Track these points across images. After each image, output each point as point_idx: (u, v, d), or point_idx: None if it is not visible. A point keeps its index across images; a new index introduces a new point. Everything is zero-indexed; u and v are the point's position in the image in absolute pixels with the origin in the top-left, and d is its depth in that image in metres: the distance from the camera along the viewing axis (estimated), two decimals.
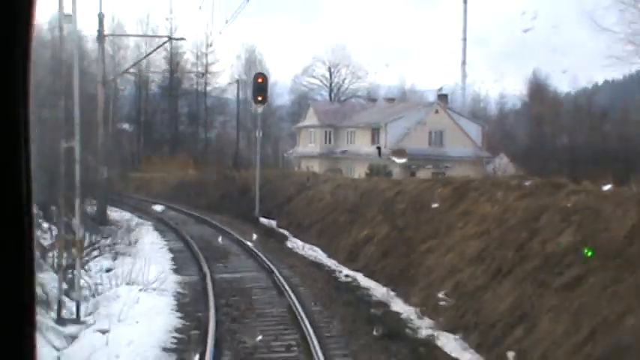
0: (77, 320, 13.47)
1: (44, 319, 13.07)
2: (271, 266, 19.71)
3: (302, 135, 70.48)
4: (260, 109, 32.40)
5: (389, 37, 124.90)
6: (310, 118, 68.43)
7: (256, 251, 22.58)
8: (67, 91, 14.42)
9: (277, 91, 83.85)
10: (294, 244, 25.60)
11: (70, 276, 14.99)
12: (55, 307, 13.81)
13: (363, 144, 61.74)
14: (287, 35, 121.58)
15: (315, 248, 24.82)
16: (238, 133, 66.03)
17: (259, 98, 30.28)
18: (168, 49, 74.63)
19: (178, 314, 14.12)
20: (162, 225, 31.36)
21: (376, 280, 19.29)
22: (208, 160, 65.80)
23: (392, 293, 17.62)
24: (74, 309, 13.89)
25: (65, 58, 14.93)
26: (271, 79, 68.36)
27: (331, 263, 22.04)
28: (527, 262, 14.34)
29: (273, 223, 30.69)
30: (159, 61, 77.13)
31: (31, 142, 1.40)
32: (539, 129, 62.47)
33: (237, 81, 65.61)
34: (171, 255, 22.56)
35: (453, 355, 12.04)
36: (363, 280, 19.13)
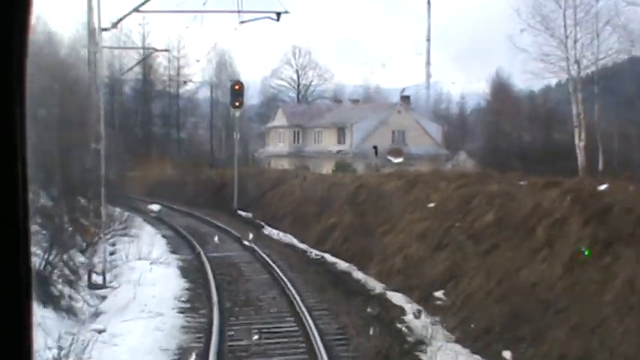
0: (104, 285, 17.00)
1: (79, 285, 16.65)
2: (253, 247, 23.44)
3: (271, 135, 73.61)
4: (237, 113, 36.00)
5: (356, 37, 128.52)
6: (279, 119, 71.57)
7: (238, 236, 26.29)
8: (63, 95, 17.69)
9: (247, 92, 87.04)
10: (270, 231, 29.31)
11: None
12: (85, 277, 17.32)
13: (329, 143, 64.94)
14: (256, 37, 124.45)
15: (289, 235, 28.51)
16: (212, 134, 69.20)
17: (236, 104, 33.92)
18: (141, 52, 77.43)
19: (185, 279, 17.82)
20: (151, 217, 34.78)
21: (341, 258, 23.04)
22: (182, 159, 68.77)
23: (354, 267, 21.43)
24: (100, 279, 17.41)
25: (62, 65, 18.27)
26: (241, 81, 71.87)
27: (303, 246, 25.76)
28: (457, 235, 18.28)
29: (249, 215, 34.33)
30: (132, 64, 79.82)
31: (27, 142, 1.40)
32: (497, 127, 66.26)
33: (211, 85, 68.79)
34: (166, 240, 26.17)
35: (398, 304, 15.89)
36: (330, 258, 22.88)
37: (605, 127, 22.72)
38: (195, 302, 15.16)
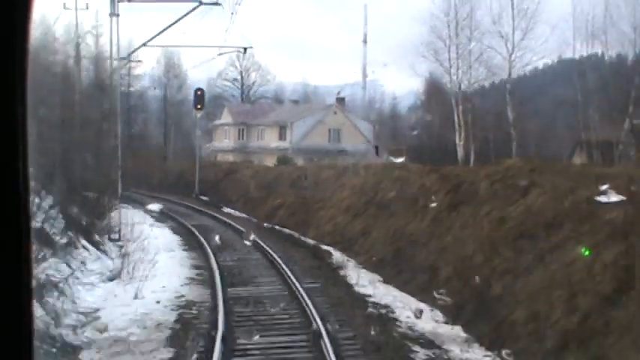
0: (119, 239, 23.97)
1: (101, 239, 23.55)
2: (218, 218, 30.70)
3: (218, 132, 79.90)
4: (199, 114, 42.98)
5: (297, 36, 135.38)
6: (225, 117, 77.93)
7: (206, 211, 33.52)
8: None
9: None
10: (228, 210, 36.54)
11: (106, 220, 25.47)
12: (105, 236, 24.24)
13: (271, 139, 71.62)
14: (201, 38, 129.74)
15: (244, 214, 35.77)
16: (166, 130, 75.38)
17: (199, 106, 40.94)
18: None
19: (178, 235, 25.09)
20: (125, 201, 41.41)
21: (287, 228, 30.44)
22: (133, 152, 74.65)
23: (296, 233, 28.87)
24: (116, 236, 24.34)
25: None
26: (188, 81, 78.52)
27: (256, 220, 33.10)
28: (370, 207, 25.94)
29: (208, 199, 41.42)
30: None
31: (28, 141, 1.41)
32: (422, 125, 74.20)
33: (166, 85, 75.07)
34: (150, 215, 33.09)
35: (328, 250, 23.43)
36: (278, 228, 30.27)
37: (477, 132, 30.69)
38: (191, 246, 22.37)
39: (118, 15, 23.99)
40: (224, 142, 77.25)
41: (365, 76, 76.69)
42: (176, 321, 13.30)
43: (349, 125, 70.68)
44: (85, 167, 22.71)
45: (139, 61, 59.34)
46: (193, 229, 26.08)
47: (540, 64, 33.22)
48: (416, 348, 12.18)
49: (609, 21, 26.92)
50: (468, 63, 30.45)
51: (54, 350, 11.16)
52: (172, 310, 14.25)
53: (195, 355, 10.78)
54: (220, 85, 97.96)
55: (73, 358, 10.64)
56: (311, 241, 26.02)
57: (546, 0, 43.02)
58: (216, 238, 23.57)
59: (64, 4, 30.92)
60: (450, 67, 30.85)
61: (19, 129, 1.38)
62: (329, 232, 27.24)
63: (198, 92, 41.47)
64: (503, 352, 12.48)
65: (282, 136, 71.00)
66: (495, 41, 30.14)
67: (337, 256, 22.22)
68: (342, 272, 19.85)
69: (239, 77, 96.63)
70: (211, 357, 10.39)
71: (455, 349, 12.35)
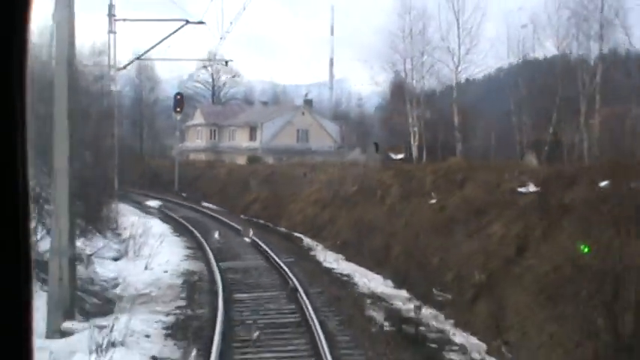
0: (117, 228, 27.47)
1: (102, 228, 26.98)
2: (200, 210, 34.34)
3: (190, 132, 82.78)
4: (179, 116, 46.49)
5: (265, 36, 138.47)
6: (197, 118, 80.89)
7: (188, 205, 37.16)
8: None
9: (165, 93, 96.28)
10: (207, 205, 40.16)
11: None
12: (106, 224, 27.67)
13: (242, 140, 74.71)
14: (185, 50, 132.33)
15: (220, 208, 39.41)
16: (141, 130, 78.34)
17: (178, 109, 44.45)
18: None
19: (168, 225, 28.68)
20: None
21: (261, 219, 34.19)
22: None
23: (270, 223, 32.65)
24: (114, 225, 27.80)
25: None
26: (160, 83, 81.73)
27: (233, 214, 36.78)
28: (336, 199, 29.84)
29: (187, 195, 44.95)
30: None
31: (27, 140, 1.42)
32: (387, 125, 77.97)
33: (141, 87, 78.09)
34: (138, 208, 36.57)
35: (299, 236, 27.27)
36: (255, 219, 34.01)
37: (428, 134, 34.83)
38: (182, 233, 26.04)
39: (115, 32, 27.53)
40: (196, 142, 80.00)
41: (332, 76, 79.59)
42: (183, 283, 17.01)
43: (316, 126, 73.57)
44: (85, 165, 26.11)
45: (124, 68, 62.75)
46: (180, 220, 29.77)
47: (481, 75, 37.98)
48: (368, 301, 16.06)
49: (537, 41, 31.17)
50: (421, 74, 34.69)
51: (96, 301, 14.82)
52: (178, 277, 17.94)
53: (204, 304, 14.52)
54: (191, 86, 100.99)
55: (113, 306, 14.27)
56: (284, 230, 29.83)
57: (487, 20, 48.06)
58: (201, 225, 27.29)
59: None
60: (406, 77, 35.01)
61: (18, 128, 1.38)
62: (300, 222, 31.05)
63: (178, 96, 44.99)
64: (432, 310, 16.43)
65: (252, 137, 73.63)
66: (444, 55, 34.53)
67: (308, 240, 26.09)
68: (312, 252, 23.72)
69: (210, 79, 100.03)
70: (217, 304, 14.10)
71: (398, 302, 16.26)
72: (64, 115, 12.52)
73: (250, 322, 13.08)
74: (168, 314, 13.91)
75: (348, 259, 22.89)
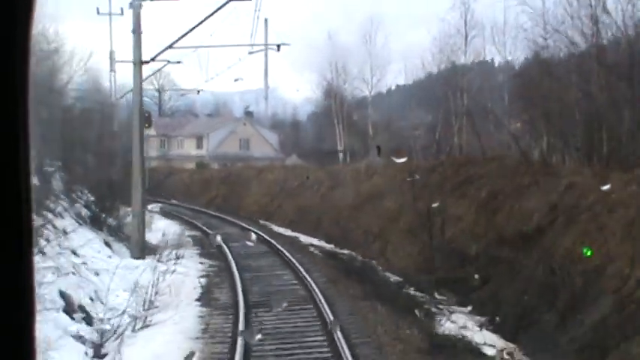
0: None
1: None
2: (173, 204, 43.98)
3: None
4: (146, 132, 55.63)
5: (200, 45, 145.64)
6: (149, 130, 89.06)
7: (161, 200, 46.69)
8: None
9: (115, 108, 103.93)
10: (175, 202, 49.67)
11: None
12: None
13: (190, 148, 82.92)
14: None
15: (185, 204, 48.91)
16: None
17: (146, 125, 53.67)
18: None
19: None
20: None
21: (222, 212, 43.86)
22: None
23: (230, 215, 42.46)
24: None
25: None
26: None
27: (198, 207, 46.40)
28: (283, 192, 39.96)
29: (156, 194, 54.18)
30: None
31: (30, 143, 1.45)
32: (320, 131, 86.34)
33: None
34: None
35: (254, 219, 37.27)
36: (216, 213, 43.69)
37: (351, 140, 45.40)
38: (176, 220, 35.83)
39: (114, 71, 36.87)
40: (148, 152, 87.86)
41: (267, 87, 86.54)
42: (193, 239, 26.82)
43: (257, 135, 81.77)
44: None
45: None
46: (162, 209, 39.40)
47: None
48: (310, 248, 26.26)
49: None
50: (342, 97, 45.36)
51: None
52: (184, 236, 27.74)
53: (211, 247, 24.41)
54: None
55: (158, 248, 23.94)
56: (242, 217, 39.78)
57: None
58: (179, 211, 36.89)
59: (98, 8, 38.10)
60: (332, 98, 45.60)
61: (20, 129, 1.39)
62: (255, 210, 41.01)
63: (146, 114, 54.25)
64: (346, 250, 26.69)
65: (199, 145, 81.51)
66: (361, 84, 45.68)
67: (263, 221, 36.14)
68: (268, 227, 33.78)
69: (156, 93, 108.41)
70: (223, 250, 23.89)
71: (327, 247, 26.54)
72: (137, 131, 22.08)
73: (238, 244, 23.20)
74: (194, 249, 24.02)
75: (293, 230, 32.98)
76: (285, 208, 37.66)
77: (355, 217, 29.50)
